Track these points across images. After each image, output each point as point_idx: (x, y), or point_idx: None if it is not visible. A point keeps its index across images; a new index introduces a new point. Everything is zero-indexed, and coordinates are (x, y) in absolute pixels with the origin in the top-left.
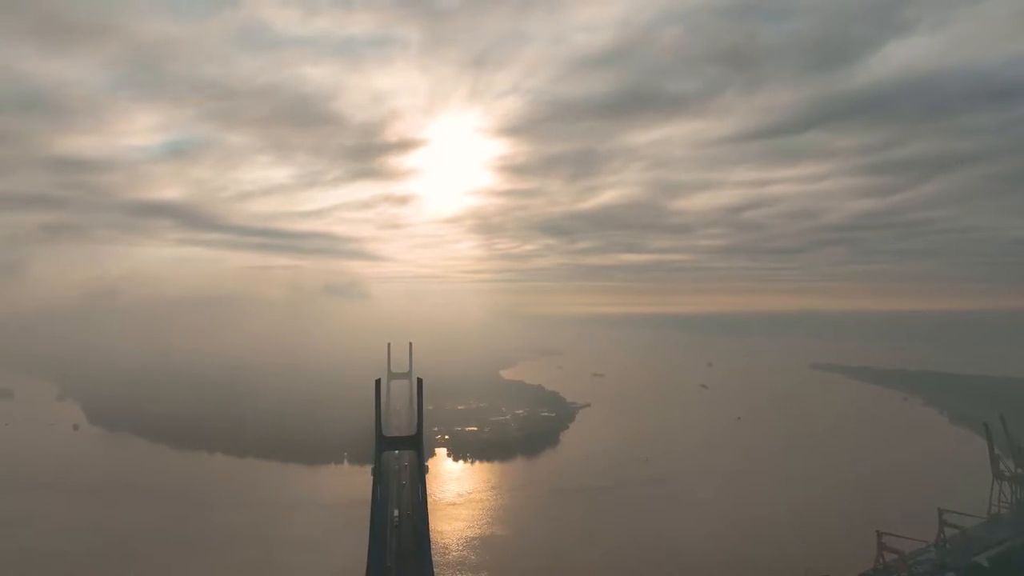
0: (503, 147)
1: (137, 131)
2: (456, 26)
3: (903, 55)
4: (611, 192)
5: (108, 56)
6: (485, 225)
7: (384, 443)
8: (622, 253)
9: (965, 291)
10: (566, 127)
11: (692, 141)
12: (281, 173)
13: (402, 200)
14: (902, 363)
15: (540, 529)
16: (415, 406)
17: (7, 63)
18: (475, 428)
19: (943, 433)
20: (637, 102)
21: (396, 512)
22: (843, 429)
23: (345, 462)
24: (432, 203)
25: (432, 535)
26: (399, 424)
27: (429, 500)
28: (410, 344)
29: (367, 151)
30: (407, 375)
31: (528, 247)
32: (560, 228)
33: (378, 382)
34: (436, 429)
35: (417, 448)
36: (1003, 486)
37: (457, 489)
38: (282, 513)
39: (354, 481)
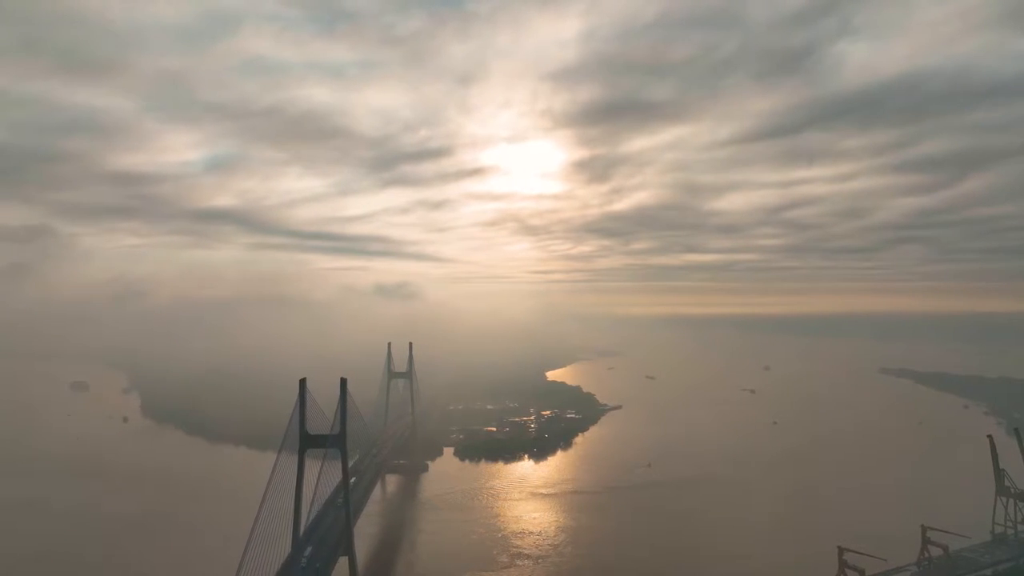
0: (509, 154)
1: (175, 148)
2: (427, 48)
3: (862, 58)
4: (640, 194)
5: (126, 86)
6: (528, 227)
7: (305, 441)
8: (686, 253)
9: None
10: (564, 135)
11: (693, 145)
12: (314, 183)
13: (437, 205)
14: (981, 368)
15: (482, 534)
16: (413, 405)
17: (43, 95)
18: (493, 428)
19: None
20: (623, 111)
21: (309, 551)
22: (874, 438)
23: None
24: (466, 207)
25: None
26: (402, 426)
27: (419, 499)
28: (410, 344)
29: (387, 161)
30: (406, 375)
31: (584, 248)
32: (607, 229)
33: (302, 381)
34: (454, 428)
35: (342, 449)
36: (1008, 504)
37: (438, 489)
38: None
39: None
